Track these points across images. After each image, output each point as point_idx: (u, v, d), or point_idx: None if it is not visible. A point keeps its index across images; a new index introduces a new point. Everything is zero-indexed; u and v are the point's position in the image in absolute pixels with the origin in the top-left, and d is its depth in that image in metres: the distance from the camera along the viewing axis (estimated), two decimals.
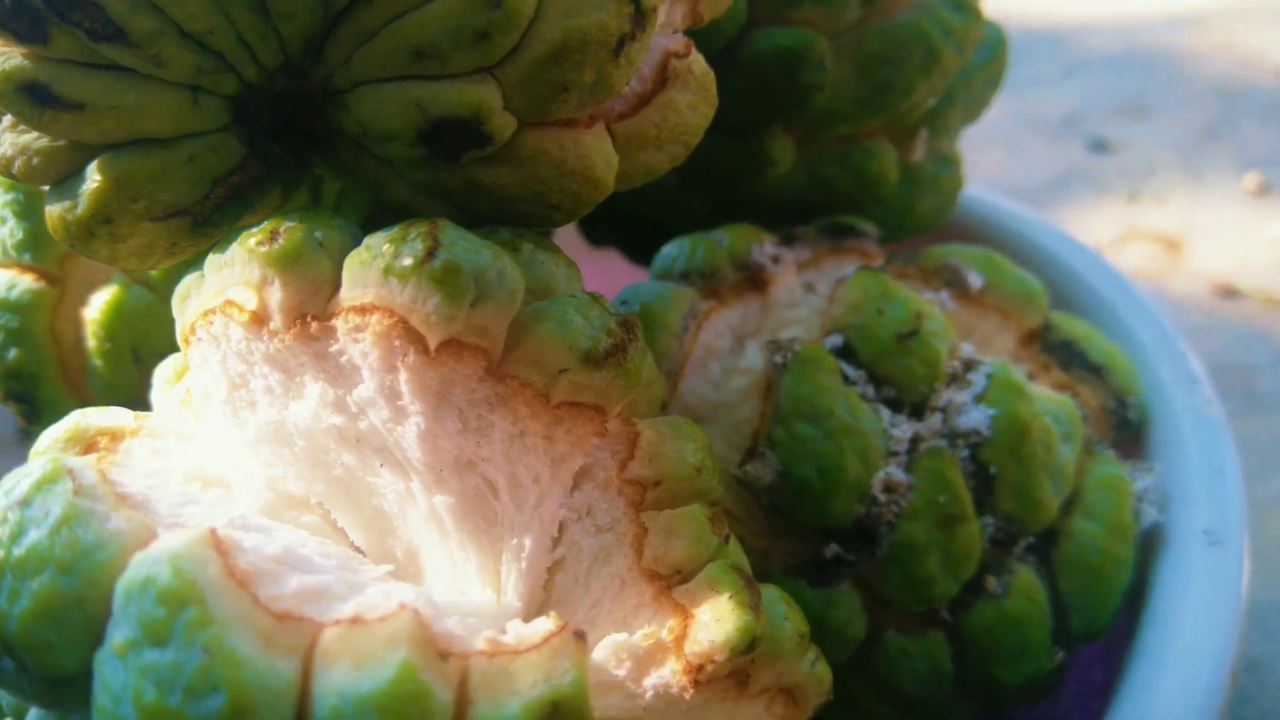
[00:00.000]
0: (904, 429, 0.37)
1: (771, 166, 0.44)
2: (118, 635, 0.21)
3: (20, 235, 0.42)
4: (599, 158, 0.29)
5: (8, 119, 0.29)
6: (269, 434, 0.29)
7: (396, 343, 0.25)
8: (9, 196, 0.41)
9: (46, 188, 0.30)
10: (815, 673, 0.31)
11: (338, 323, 0.26)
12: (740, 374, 0.40)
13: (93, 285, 0.43)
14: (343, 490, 0.29)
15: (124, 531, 0.23)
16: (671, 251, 0.44)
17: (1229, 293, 0.83)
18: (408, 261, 0.25)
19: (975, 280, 0.42)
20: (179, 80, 0.28)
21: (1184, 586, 0.37)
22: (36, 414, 0.44)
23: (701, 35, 0.41)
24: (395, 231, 0.26)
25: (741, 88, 0.42)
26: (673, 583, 0.28)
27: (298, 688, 0.21)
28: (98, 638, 0.22)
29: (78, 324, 0.43)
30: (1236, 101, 1.04)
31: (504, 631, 0.24)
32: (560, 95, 0.28)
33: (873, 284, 0.39)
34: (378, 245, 0.26)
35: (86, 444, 0.30)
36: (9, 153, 0.29)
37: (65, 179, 0.29)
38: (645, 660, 0.26)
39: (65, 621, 0.22)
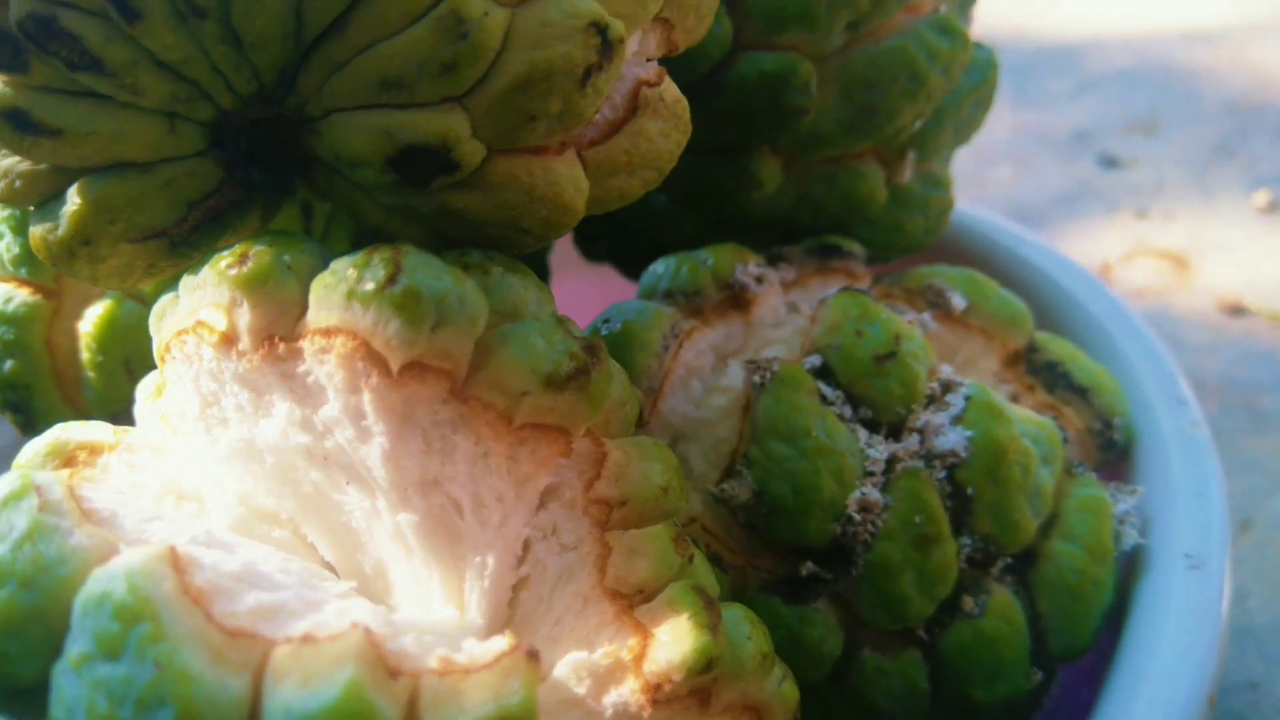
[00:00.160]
0: (881, 449, 0.37)
1: (758, 187, 0.45)
2: (74, 649, 0.22)
3: (17, 250, 0.43)
4: (568, 184, 0.30)
5: None
6: (240, 451, 0.29)
7: (360, 365, 0.26)
8: (5, 213, 0.42)
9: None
10: (781, 692, 0.31)
11: (304, 344, 0.27)
12: (721, 392, 0.40)
13: (87, 299, 0.44)
14: (312, 506, 0.29)
15: (85, 547, 0.24)
16: (657, 270, 0.44)
17: (1236, 310, 0.83)
18: (370, 286, 0.26)
19: (958, 301, 0.42)
20: (155, 107, 0.29)
21: (1163, 610, 0.37)
22: (32, 424, 0.45)
23: (687, 59, 0.42)
24: (360, 256, 0.26)
25: (727, 110, 0.43)
26: (635, 602, 0.28)
27: (247, 704, 0.21)
28: (56, 650, 0.22)
29: (73, 336, 0.44)
30: (1248, 118, 1.04)
31: (459, 650, 0.24)
32: (528, 124, 0.28)
33: (852, 305, 0.39)
34: (342, 269, 0.26)
35: (66, 458, 0.30)
36: None
37: (47, 201, 0.30)
38: (605, 679, 0.27)
39: (25, 634, 0.23)
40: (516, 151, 0.29)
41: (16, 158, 0.29)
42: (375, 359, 0.26)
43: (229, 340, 0.28)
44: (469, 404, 0.27)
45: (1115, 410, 0.43)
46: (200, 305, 0.28)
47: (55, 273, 0.43)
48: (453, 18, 0.27)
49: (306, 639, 0.22)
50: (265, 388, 0.28)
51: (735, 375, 0.40)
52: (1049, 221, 0.98)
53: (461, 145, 0.28)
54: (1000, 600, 0.37)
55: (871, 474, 0.37)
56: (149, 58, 0.28)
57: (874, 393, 0.37)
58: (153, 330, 0.31)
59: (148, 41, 0.27)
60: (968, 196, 1.07)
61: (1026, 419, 0.39)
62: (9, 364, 0.43)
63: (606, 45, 0.28)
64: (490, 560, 0.28)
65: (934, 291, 0.43)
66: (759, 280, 0.42)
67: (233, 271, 0.27)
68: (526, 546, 0.29)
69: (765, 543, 0.38)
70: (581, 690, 0.27)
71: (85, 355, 0.43)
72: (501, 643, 0.25)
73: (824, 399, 0.38)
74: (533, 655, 0.24)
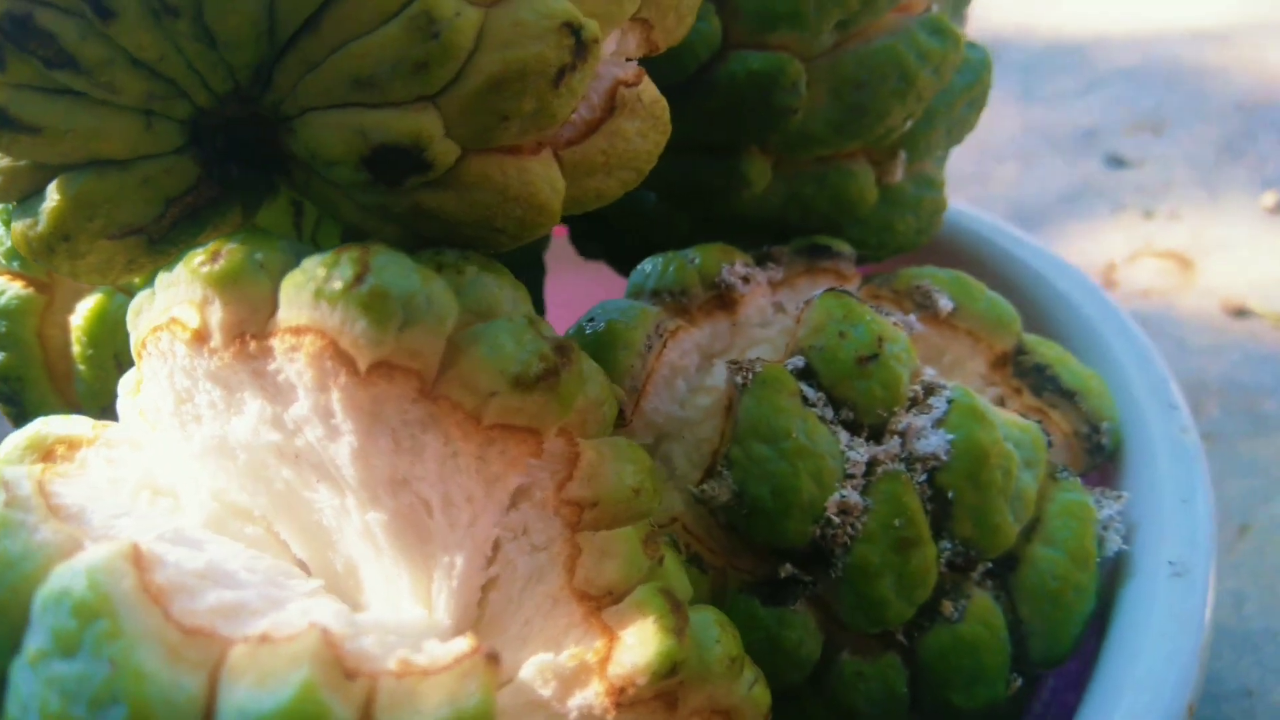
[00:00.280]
0: (861, 452, 0.37)
1: (747, 186, 0.44)
2: (32, 645, 0.22)
3: (9, 244, 0.43)
4: (543, 184, 0.30)
5: None
6: (213, 447, 0.29)
7: (328, 364, 0.26)
8: None
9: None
10: (752, 695, 0.31)
11: (275, 342, 0.27)
12: (705, 392, 0.40)
13: (80, 293, 0.44)
14: (284, 504, 0.29)
15: (50, 543, 0.24)
16: (645, 269, 0.44)
17: (1240, 312, 0.82)
18: (337, 285, 0.26)
19: (945, 303, 0.42)
20: (132, 105, 0.29)
21: (1145, 617, 0.37)
22: (24, 416, 0.45)
23: (675, 58, 0.42)
24: (329, 255, 0.26)
25: (716, 109, 0.43)
26: (603, 604, 0.28)
27: (202, 703, 0.21)
28: (16, 646, 0.23)
29: (65, 330, 0.44)
30: (1256, 118, 1.03)
31: (420, 651, 0.24)
32: (501, 124, 0.28)
33: (836, 306, 0.39)
34: (312, 268, 0.26)
35: (45, 451, 0.31)
36: None
37: (28, 197, 0.30)
38: (570, 681, 0.27)
39: None
40: (491, 151, 0.29)
41: None
42: (343, 358, 0.26)
43: (201, 337, 0.28)
44: (438, 403, 0.27)
45: (1103, 414, 0.43)
46: (174, 302, 0.28)
47: None
48: (424, 17, 0.27)
49: (264, 638, 0.23)
50: (237, 385, 0.28)
51: (720, 375, 0.40)
52: (1054, 221, 0.98)
53: (434, 145, 0.28)
54: (980, 605, 0.37)
55: (852, 476, 0.37)
56: (124, 56, 0.28)
57: (855, 395, 0.37)
58: (130, 326, 0.31)
59: (122, 40, 0.27)
60: (972, 195, 1.07)
61: (1010, 422, 0.39)
62: (1, 356, 0.44)
63: (580, 45, 0.28)
64: (459, 560, 0.28)
65: (921, 293, 0.43)
66: (746, 280, 0.42)
67: (205, 269, 0.27)
68: (497, 546, 0.29)
69: (745, 544, 0.38)
70: (546, 692, 0.27)
71: (76, 349, 0.44)
72: (462, 644, 0.25)
73: (806, 400, 0.37)
74: (492, 658, 0.24)
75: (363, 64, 0.27)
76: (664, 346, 0.40)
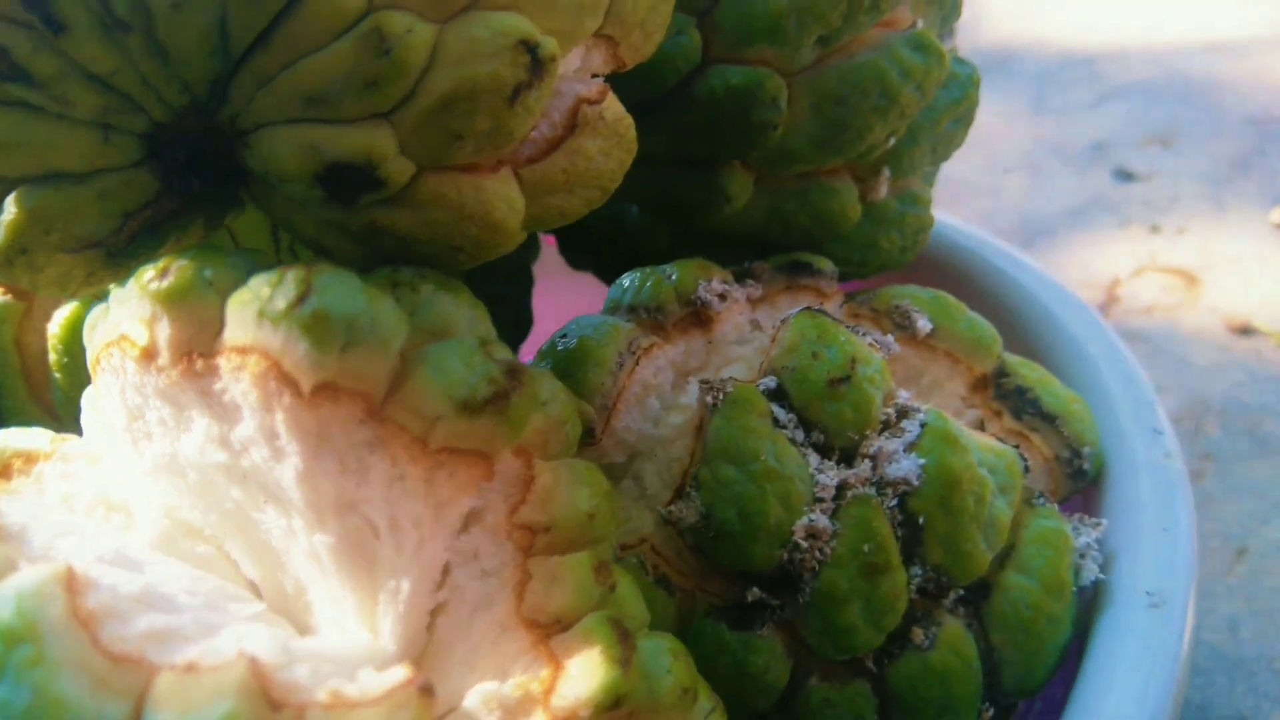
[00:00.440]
0: (831, 475, 0.36)
1: (728, 201, 0.44)
2: None
3: None
4: (500, 202, 0.29)
5: None
6: (164, 465, 0.29)
7: (272, 385, 0.26)
8: None
9: None
10: None
11: (221, 361, 0.27)
12: (679, 411, 0.40)
13: (58, 301, 0.44)
14: (234, 523, 0.29)
15: None
16: (623, 283, 0.44)
17: (1245, 330, 0.81)
18: (280, 305, 0.25)
19: (923, 324, 0.41)
20: (87, 119, 0.28)
21: (1119, 648, 0.36)
22: (2, 422, 0.45)
23: (654, 71, 0.41)
24: (275, 274, 0.26)
25: (695, 124, 0.42)
26: (552, 632, 0.28)
27: None
28: None
29: (43, 337, 0.44)
30: (1268, 133, 1.02)
31: (355, 680, 0.24)
32: (456, 142, 0.28)
33: (811, 326, 0.39)
34: (257, 287, 0.26)
35: (2, 466, 0.31)
36: None
37: None
38: (514, 711, 0.26)
39: None
40: (446, 169, 0.29)
41: None
42: (286, 379, 0.25)
43: (149, 355, 0.27)
44: (385, 426, 0.26)
45: (1084, 439, 0.42)
46: (124, 318, 0.28)
47: None
48: (375, 34, 0.26)
49: (190, 667, 0.22)
50: (185, 403, 0.28)
51: (694, 394, 0.40)
52: (1060, 234, 0.97)
53: (387, 163, 0.28)
54: (951, 633, 0.36)
55: (821, 500, 0.36)
56: (78, 69, 0.27)
57: (826, 417, 0.37)
58: (86, 341, 0.30)
59: (75, 53, 0.27)
60: (980, 206, 1.06)
61: (985, 447, 0.38)
62: None
63: (537, 63, 0.28)
64: (405, 585, 0.27)
65: (900, 313, 0.42)
66: (722, 297, 0.42)
67: (154, 285, 0.27)
68: (446, 571, 0.28)
69: (714, 566, 0.37)
70: None
71: (53, 356, 0.44)
72: (397, 675, 0.24)
73: (776, 422, 0.37)
74: (425, 690, 0.24)
75: (314, 80, 0.27)
76: (636, 364, 0.39)
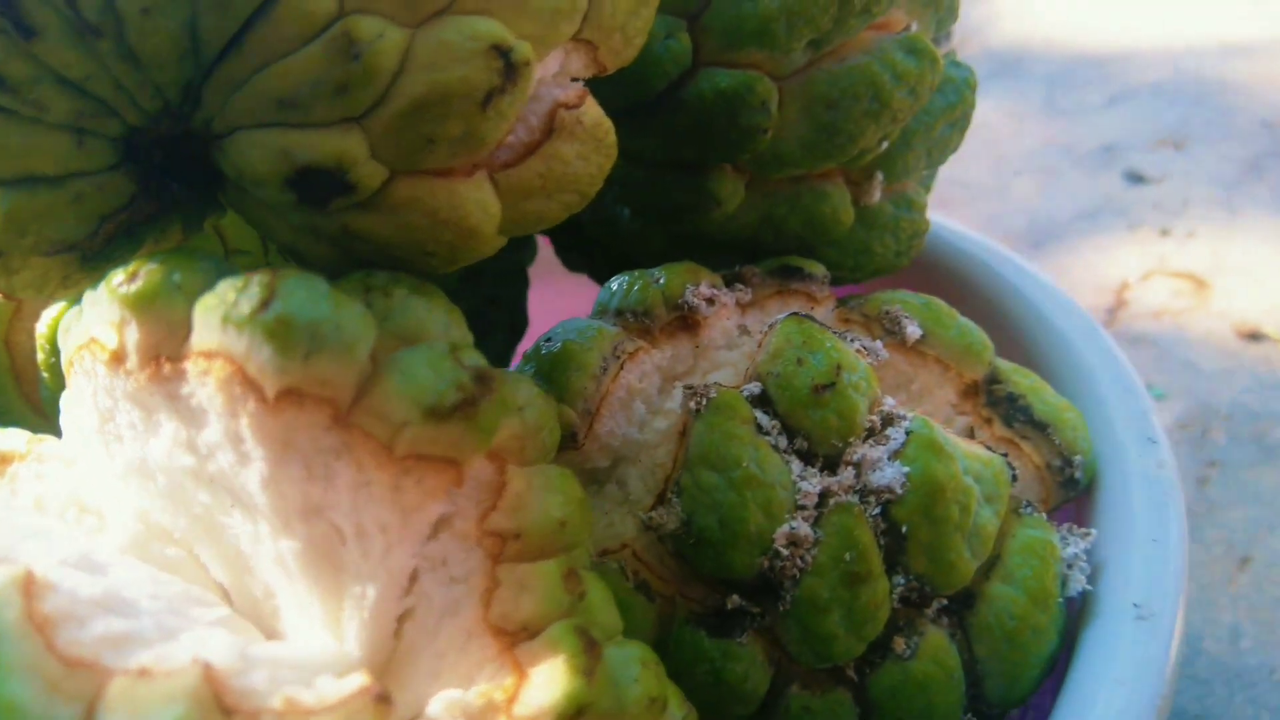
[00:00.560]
0: (814, 482, 0.36)
1: (718, 205, 0.44)
2: None
3: None
4: (474, 207, 0.29)
5: None
6: (135, 468, 0.29)
7: (237, 390, 0.26)
8: None
9: None
10: None
11: (188, 365, 0.26)
12: (664, 415, 0.39)
13: (48, 300, 0.44)
14: (203, 527, 0.29)
15: None
16: (612, 286, 0.43)
17: (1253, 336, 0.80)
18: (245, 310, 0.25)
19: (913, 330, 0.41)
20: (61, 123, 0.28)
21: (1104, 661, 0.36)
22: None
23: (645, 75, 0.41)
24: (240, 279, 0.26)
25: (685, 127, 0.42)
26: (518, 640, 0.27)
27: None
28: None
29: (32, 336, 0.45)
30: None
31: (312, 687, 0.24)
32: (428, 146, 0.28)
33: (797, 332, 0.38)
34: (223, 291, 0.26)
35: None
36: None
37: None
38: (477, 718, 0.26)
39: None
40: (420, 174, 0.29)
41: None
42: (251, 385, 0.25)
43: (118, 358, 0.27)
44: (351, 432, 0.26)
45: (1076, 447, 0.41)
46: (95, 322, 0.28)
47: None
48: (345, 39, 0.26)
49: (143, 672, 0.22)
50: (153, 407, 0.28)
51: (679, 399, 0.39)
52: (1069, 237, 0.96)
53: (358, 167, 0.28)
54: (933, 642, 0.36)
55: (803, 508, 0.36)
56: (51, 74, 0.27)
57: (810, 424, 0.36)
58: (60, 343, 0.31)
59: (48, 58, 0.27)
60: (990, 208, 1.05)
61: (971, 455, 0.38)
62: None
63: (510, 68, 0.28)
64: (371, 591, 0.27)
65: (890, 319, 0.42)
66: (710, 302, 0.41)
67: (123, 289, 0.27)
68: (414, 577, 0.28)
69: (695, 573, 0.37)
70: None
71: (40, 355, 0.44)
72: (354, 682, 0.24)
73: (759, 428, 0.37)
74: (382, 698, 0.24)
75: (284, 84, 0.27)
76: (621, 368, 0.39)
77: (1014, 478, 0.39)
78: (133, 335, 0.27)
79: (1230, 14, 1.24)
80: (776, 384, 0.37)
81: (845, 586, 0.35)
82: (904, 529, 0.35)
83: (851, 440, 0.37)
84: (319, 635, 0.27)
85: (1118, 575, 0.38)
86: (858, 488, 0.36)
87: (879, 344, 0.41)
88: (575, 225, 0.51)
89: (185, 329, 0.27)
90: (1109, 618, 0.37)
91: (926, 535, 0.35)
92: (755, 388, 0.38)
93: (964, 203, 1.03)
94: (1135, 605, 0.37)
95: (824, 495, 0.36)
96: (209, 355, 0.26)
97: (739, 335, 0.42)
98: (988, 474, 0.38)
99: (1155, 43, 1.22)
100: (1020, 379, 0.42)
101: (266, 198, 0.29)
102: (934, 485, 0.35)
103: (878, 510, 0.36)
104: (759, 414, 0.37)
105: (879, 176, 0.45)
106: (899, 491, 0.35)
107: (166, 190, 0.31)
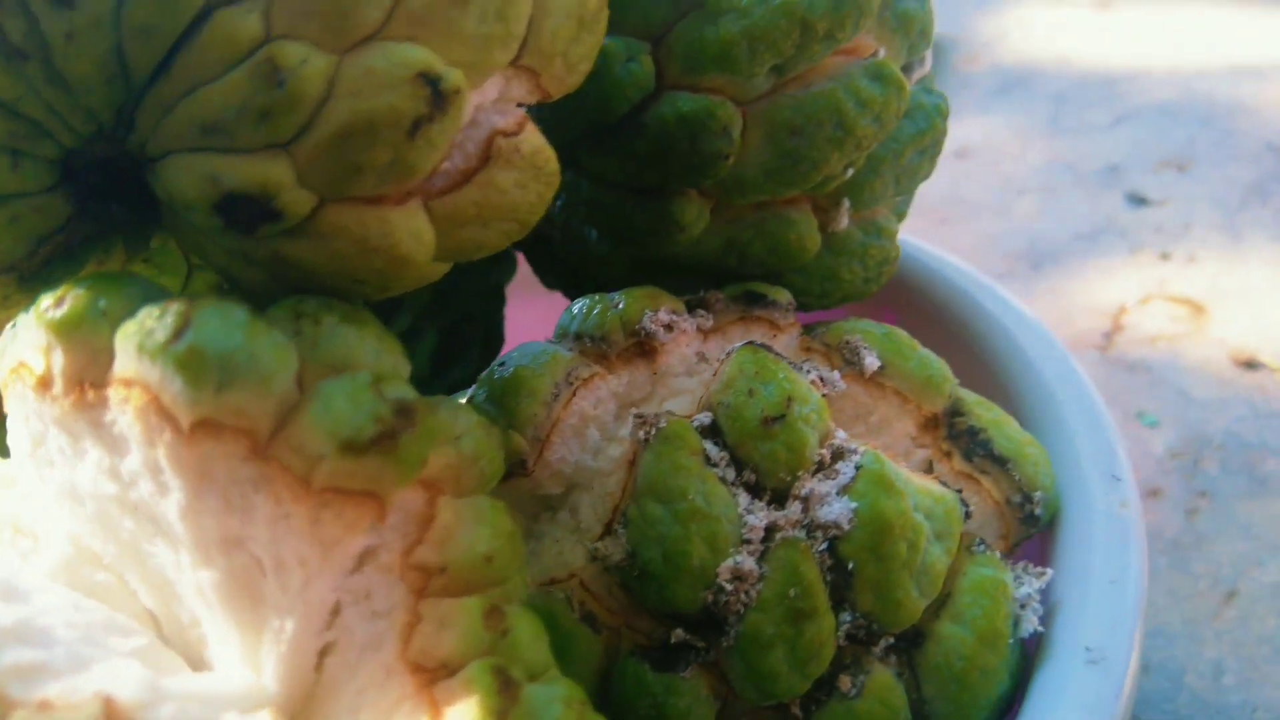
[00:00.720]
0: (760, 516, 0.35)
1: (681, 230, 0.43)
2: None
3: None
4: (405, 235, 0.29)
5: None
6: (66, 492, 0.29)
7: (154, 419, 0.25)
8: None
9: None
10: None
11: (110, 392, 0.26)
12: (618, 443, 0.39)
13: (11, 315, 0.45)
14: (130, 554, 0.29)
15: None
16: (573, 309, 0.43)
17: (1250, 364, 0.79)
18: (160, 339, 0.25)
19: (871, 361, 0.40)
20: None
21: (1052, 706, 0.35)
22: None
23: (607, 98, 0.41)
24: (158, 307, 0.26)
25: (646, 151, 0.41)
26: (437, 677, 0.27)
27: None
28: None
29: None
30: None
31: None
32: (356, 174, 0.28)
33: (750, 362, 0.38)
34: (142, 319, 0.26)
35: None
36: None
37: None
38: None
39: None
40: (349, 201, 0.28)
41: None
42: (167, 415, 0.25)
43: (45, 383, 0.27)
44: (269, 464, 0.26)
45: (1037, 483, 0.41)
46: (24, 346, 0.28)
47: None
48: (269, 65, 0.26)
49: (44, 705, 0.22)
50: (79, 433, 0.28)
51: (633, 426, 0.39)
52: (1068, 258, 0.95)
53: (284, 193, 0.27)
54: (880, 681, 0.35)
55: (749, 542, 0.35)
56: None
57: (759, 456, 0.36)
58: None
59: None
60: (991, 226, 1.04)
61: (923, 491, 0.37)
62: None
63: (439, 96, 0.27)
64: (289, 624, 0.27)
65: (849, 349, 0.41)
66: (669, 328, 0.41)
67: (49, 314, 0.27)
68: (336, 611, 0.28)
69: (641, 605, 0.36)
70: None
71: None
72: (260, 719, 0.24)
73: (708, 459, 0.36)
74: None
75: (210, 110, 0.27)
76: (574, 394, 0.39)
77: (968, 514, 0.38)
78: (58, 360, 0.27)
79: (1241, 37, 1.23)
80: (726, 414, 0.37)
81: (789, 623, 0.34)
82: (850, 565, 0.35)
83: (800, 474, 0.36)
84: (238, 668, 0.27)
85: (1072, 616, 0.37)
86: (805, 522, 0.35)
87: (837, 375, 0.40)
88: (548, 245, 0.51)
89: (109, 355, 0.27)
90: (1060, 660, 0.36)
91: (873, 572, 0.35)
92: (706, 418, 0.37)
93: (964, 220, 1.02)
94: (1087, 649, 0.36)
95: (770, 529, 0.35)
96: (128, 383, 0.26)
97: (698, 362, 0.42)
98: (939, 510, 0.37)
99: (1167, 64, 1.21)
100: (983, 412, 0.42)
101: (197, 222, 0.29)
102: (882, 522, 0.35)
103: (824, 546, 0.35)
104: (709, 445, 0.36)
105: (845, 203, 0.44)
106: (846, 527, 0.35)
107: (106, 212, 0.31)
